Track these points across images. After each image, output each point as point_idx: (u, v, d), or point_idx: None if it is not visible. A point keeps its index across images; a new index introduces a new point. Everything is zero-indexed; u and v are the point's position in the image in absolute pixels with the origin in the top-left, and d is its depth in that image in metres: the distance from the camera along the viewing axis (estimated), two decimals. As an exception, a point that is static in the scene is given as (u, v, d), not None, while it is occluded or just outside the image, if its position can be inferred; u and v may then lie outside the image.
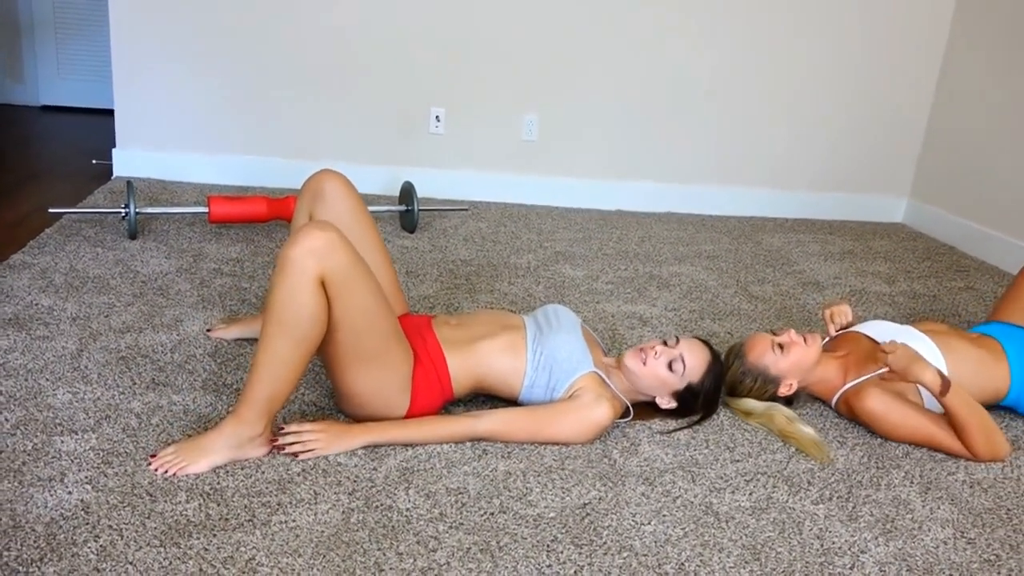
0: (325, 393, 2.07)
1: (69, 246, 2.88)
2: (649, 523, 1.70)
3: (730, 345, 2.28)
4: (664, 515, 1.73)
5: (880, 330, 2.25)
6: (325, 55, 3.82)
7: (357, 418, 1.91)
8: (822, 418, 2.21)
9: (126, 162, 3.82)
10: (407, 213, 3.45)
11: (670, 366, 1.99)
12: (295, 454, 1.77)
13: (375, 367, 1.79)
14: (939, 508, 1.85)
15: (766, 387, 2.13)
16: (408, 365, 1.85)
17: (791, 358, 2.12)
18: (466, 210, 3.77)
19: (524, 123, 4.05)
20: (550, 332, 2.00)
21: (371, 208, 3.34)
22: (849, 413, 2.15)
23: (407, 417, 1.88)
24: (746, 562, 1.61)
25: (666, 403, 2.03)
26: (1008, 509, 1.87)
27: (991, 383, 2.17)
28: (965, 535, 1.77)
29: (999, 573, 1.65)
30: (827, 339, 2.35)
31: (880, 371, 2.10)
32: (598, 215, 4.05)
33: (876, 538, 1.72)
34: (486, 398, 2.06)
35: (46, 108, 5.36)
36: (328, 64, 3.83)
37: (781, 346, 2.14)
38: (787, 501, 1.83)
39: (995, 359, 2.19)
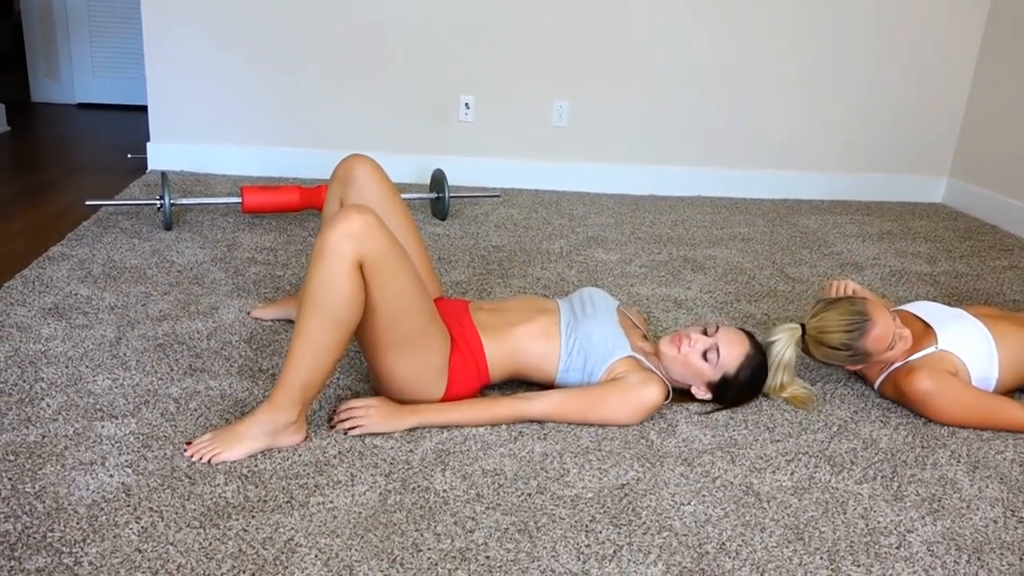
0: (360, 378, 2.07)
1: (107, 237, 2.92)
2: (689, 503, 1.68)
3: (848, 303, 2.05)
4: (704, 495, 1.71)
5: (929, 311, 2.19)
6: (354, 44, 3.82)
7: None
8: (863, 398, 2.17)
9: (161, 156, 3.86)
10: (438, 200, 3.45)
11: (705, 355, 1.95)
12: (345, 430, 1.79)
13: (412, 351, 1.78)
14: (988, 487, 1.80)
15: (850, 356, 2.03)
16: (445, 349, 1.84)
17: (886, 355, 2.05)
18: (497, 196, 3.76)
19: (554, 109, 4.02)
20: (584, 317, 1.98)
21: (403, 196, 3.34)
22: (896, 394, 2.10)
23: (448, 392, 1.87)
24: (788, 541, 1.58)
25: (701, 393, 2.00)
26: (1060, 488, 1.82)
27: None
28: (1016, 514, 1.72)
29: (1052, 553, 1.60)
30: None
31: (930, 350, 2.05)
32: (630, 200, 4.01)
33: (923, 517, 1.68)
34: (522, 382, 2.04)
35: (82, 105, 5.45)
36: (358, 53, 3.83)
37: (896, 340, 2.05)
38: (829, 481, 1.79)
39: None
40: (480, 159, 4.03)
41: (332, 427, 1.81)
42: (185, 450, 1.70)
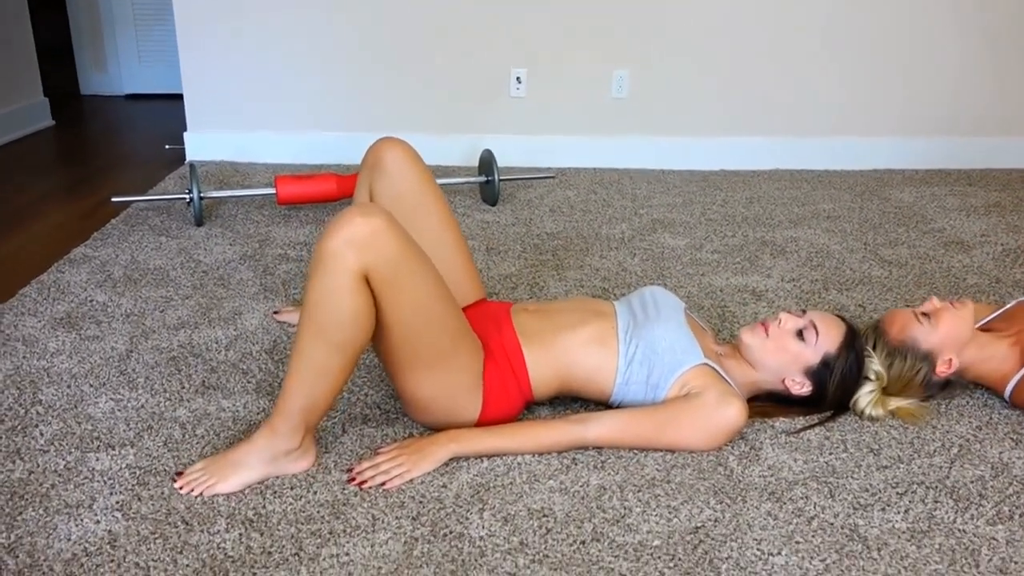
0: (390, 394, 1.82)
1: (133, 236, 2.73)
2: (779, 553, 1.37)
3: (863, 325, 1.90)
4: (797, 541, 1.40)
5: None
6: (396, 18, 3.55)
7: (425, 425, 1.65)
8: (987, 409, 1.81)
9: (199, 146, 3.68)
10: (487, 184, 3.17)
11: (800, 334, 1.65)
12: (382, 485, 1.51)
13: (438, 370, 1.52)
14: None
15: (918, 366, 1.73)
16: (477, 364, 1.57)
17: (943, 327, 1.74)
18: (552, 177, 3.46)
19: (613, 79, 3.69)
20: (646, 321, 1.68)
21: (448, 180, 3.07)
22: None
23: (481, 423, 1.61)
24: (908, 606, 1.27)
25: (799, 386, 1.68)
26: None
27: None
28: None
29: None
30: (993, 314, 1.94)
31: None
32: (699, 176, 3.66)
33: (1079, 571, 1.34)
34: (573, 399, 1.76)
35: (130, 96, 5.34)
36: (399, 28, 3.56)
37: (927, 315, 1.75)
38: (954, 521, 1.46)
39: None
40: (533, 137, 3.73)
41: (363, 487, 1.50)
42: (175, 481, 1.48)
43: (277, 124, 3.67)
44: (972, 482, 1.57)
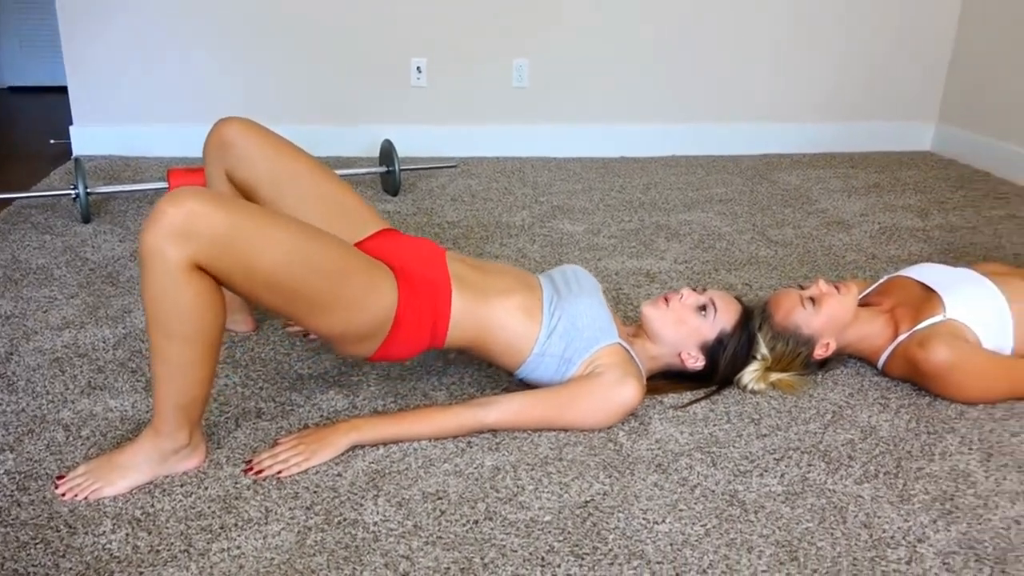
0: (285, 387, 1.81)
1: (14, 235, 2.62)
2: (663, 521, 1.43)
3: (751, 304, 1.99)
4: (681, 509, 1.46)
5: (933, 275, 1.95)
6: (290, 9, 3.49)
7: (353, 356, 1.63)
8: (859, 377, 1.93)
9: (86, 140, 3.54)
10: (388, 174, 3.16)
11: (700, 310, 1.72)
12: (278, 474, 1.51)
13: (337, 310, 1.48)
14: (1006, 478, 1.57)
15: (799, 350, 1.83)
16: (383, 294, 1.54)
17: (825, 313, 1.83)
18: (454, 167, 3.47)
19: (514, 69, 3.72)
20: (569, 295, 1.71)
21: (349, 171, 3.06)
22: (908, 371, 1.85)
23: (382, 351, 1.59)
24: (781, 563, 1.34)
25: (693, 360, 1.75)
26: (1088, 475, 1.59)
27: None
28: (1040, 511, 1.49)
29: (1086, 557, 1.38)
30: (867, 289, 2.06)
31: (937, 319, 1.81)
32: (599, 163, 3.74)
33: (934, 522, 1.45)
34: (470, 364, 1.79)
35: (12, 89, 5.08)
36: (294, 18, 3.51)
37: (812, 300, 1.84)
38: (825, 482, 1.55)
39: None
40: (434, 127, 3.73)
41: (260, 477, 1.50)
42: (55, 487, 1.44)
43: (168, 116, 3.56)
44: (843, 445, 1.67)
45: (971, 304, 1.83)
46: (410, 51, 3.64)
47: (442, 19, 3.60)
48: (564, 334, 1.67)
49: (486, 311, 1.65)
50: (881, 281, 2.07)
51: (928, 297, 1.88)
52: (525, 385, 1.75)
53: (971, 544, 1.40)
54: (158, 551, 1.32)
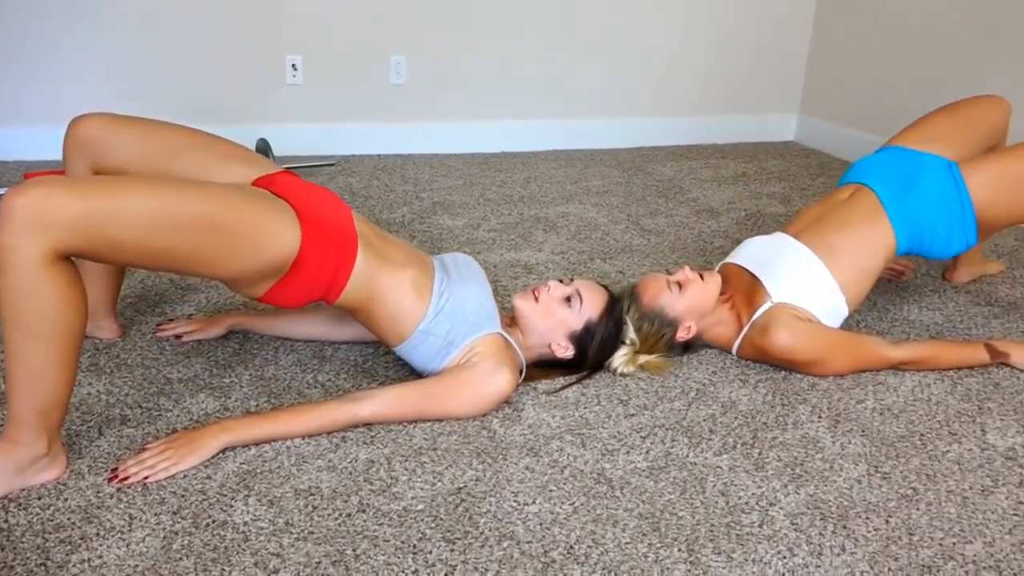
0: (153, 391, 1.76)
1: None
2: (533, 502, 1.48)
3: (621, 289, 2.06)
4: (551, 490, 1.51)
5: (752, 255, 2.05)
6: (159, 4, 3.37)
7: (237, 292, 1.60)
8: (722, 356, 2.03)
9: (-66, 144, 3.33)
10: (264, 174, 3.10)
11: (567, 301, 1.77)
12: (145, 480, 1.47)
13: (228, 257, 1.45)
14: (850, 443, 1.69)
15: (663, 331, 1.92)
16: (283, 230, 1.50)
17: (688, 297, 1.92)
18: (333, 165, 3.44)
19: (391, 65, 3.71)
20: (460, 280, 1.74)
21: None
22: (759, 356, 1.96)
23: (282, 284, 1.56)
24: (644, 534, 1.41)
25: (563, 350, 1.81)
26: (921, 435, 1.73)
27: (879, 251, 1.99)
28: (879, 469, 1.61)
29: (917, 509, 1.50)
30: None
31: (766, 307, 1.91)
32: (480, 159, 3.77)
33: (785, 486, 1.55)
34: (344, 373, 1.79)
35: None
36: (163, 13, 3.39)
37: (679, 284, 1.93)
38: (687, 456, 1.63)
39: (872, 221, 2.00)
40: (313, 125, 3.68)
41: (117, 481, 1.46)
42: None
43: (26, 119, 3.38)
44: (704, 420, 1.76)
45: (791, 280, 1.93)
46: (284, 48, 3.58)
47: (316, 16, 3.56)
48: (450, 315, 1.70)
49: (382, 278, 1.66)
50: (716, 268, 2.15)
51: (753, 283, 1.98)
52: (403, 364, 1.77)
53: (817, 504, 1.50)
54: (12, 567, 1.27)
